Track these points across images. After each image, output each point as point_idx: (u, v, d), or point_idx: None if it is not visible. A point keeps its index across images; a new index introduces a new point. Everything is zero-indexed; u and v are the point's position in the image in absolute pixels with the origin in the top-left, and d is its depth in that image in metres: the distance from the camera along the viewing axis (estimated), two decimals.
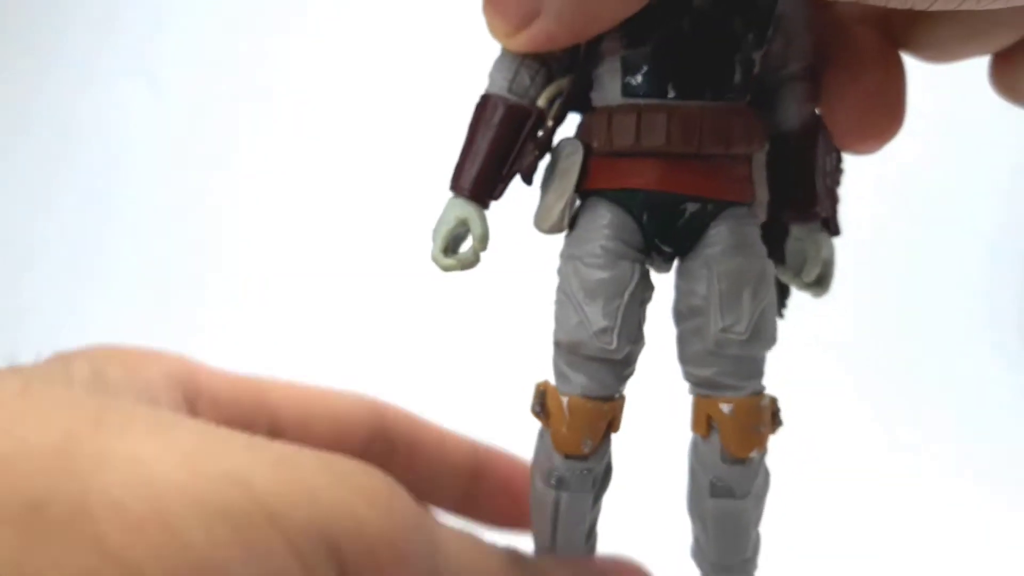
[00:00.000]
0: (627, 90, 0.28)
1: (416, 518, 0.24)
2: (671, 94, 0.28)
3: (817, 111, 0.31)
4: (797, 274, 0.32)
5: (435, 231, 0.29)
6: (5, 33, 0.95)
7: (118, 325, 0.86)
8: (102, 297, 0.89)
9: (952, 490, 0.71)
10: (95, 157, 0.94)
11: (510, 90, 0.29)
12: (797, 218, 0.31)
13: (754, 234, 0.29)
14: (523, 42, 0.27)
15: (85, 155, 0.94)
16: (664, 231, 0.29)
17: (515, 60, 0.29)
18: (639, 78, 0.28)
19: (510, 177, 0.29)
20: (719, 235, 0.29)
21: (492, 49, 0.30)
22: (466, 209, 0.29)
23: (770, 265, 0.29)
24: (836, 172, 0.32)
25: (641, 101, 0.28)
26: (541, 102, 0.29)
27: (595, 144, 0.29)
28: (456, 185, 0.29)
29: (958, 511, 0.69)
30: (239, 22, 0.95)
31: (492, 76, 0.30)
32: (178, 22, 0.95)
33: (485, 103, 0.29)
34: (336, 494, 0.22)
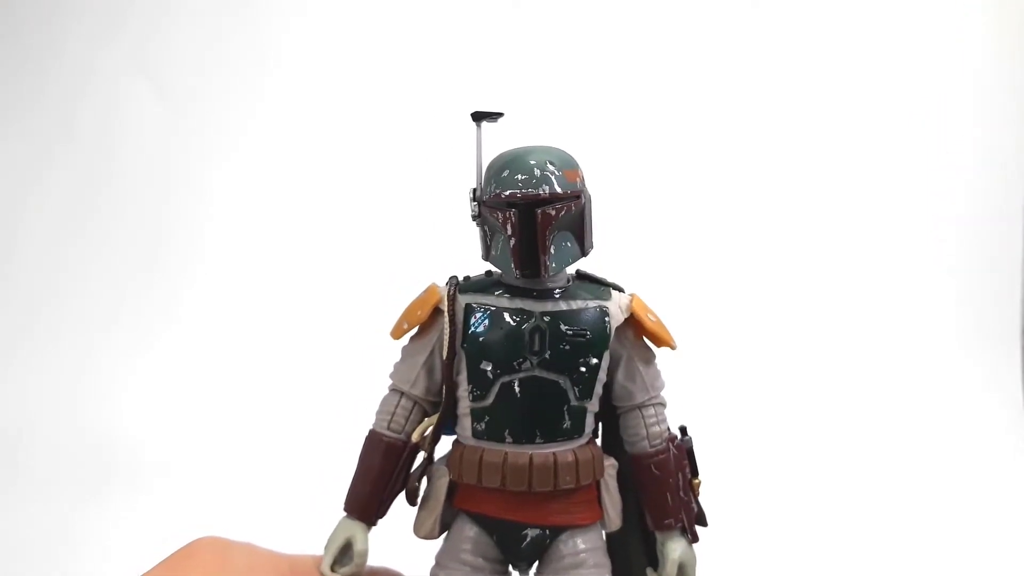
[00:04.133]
0: (475, 433, 0.35)
1: None
2: (508, 439, 0.35)
3: (665, 431, 0.37)
4: None
5: (326, 546, 0.36)
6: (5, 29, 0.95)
7: (101, 318, 0.87)
8: (83, 291, 0.89)
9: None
10: (92, 153, 0.94)
11: (389, 427, 0.36)
12: (655, 527, 0.37)
13: (599, 551, 0.36)
14: None
15: (82, 150, 0.94)
16: (510, 550, 0.36)
17: (388, 400, 0.37)
18: (482, 425, 0.35)
19: (391, 499, 0.36)
20: (557, 553, 0.36)
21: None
22: (353, 528, 0.36)
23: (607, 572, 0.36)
24: (689, 485, 0.37)
25: (484, 444, 0.35)
26: (415, 436, 0.36)
27: (451, 476, 0.36)
28: (347, 507, 0.36)
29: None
30: (238, 21, 0.95)
31: (377, 411, 0.37)
32: (180, 21, 0.96)
33: (369, 438, 0.37)
34: None
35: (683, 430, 0.38)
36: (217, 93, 0.93)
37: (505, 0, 0.92)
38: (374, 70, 0.92)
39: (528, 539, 0.35)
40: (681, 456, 0.37)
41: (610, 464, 0.37)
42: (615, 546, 0.38)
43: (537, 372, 0.34)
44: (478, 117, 0.36)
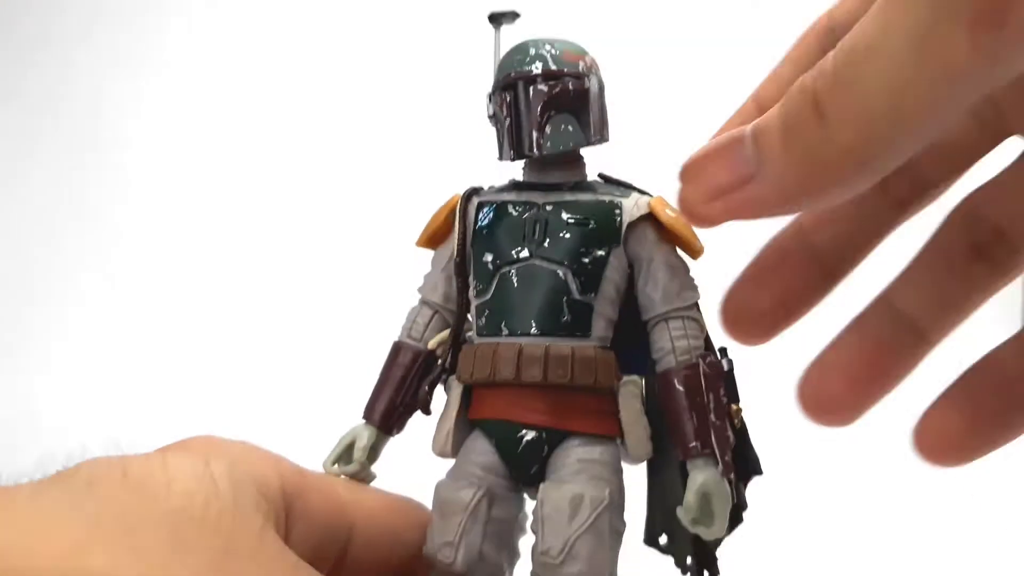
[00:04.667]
0: (478, 330, 0.33)
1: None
2: (504, 331, 0.32)
3: (698, 348, 0.33)
4: None
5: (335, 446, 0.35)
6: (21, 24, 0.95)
7: (98, 317, 0.86)
8: (74, 286, 0.89)
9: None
10: (78, 152, 0.94)
11: (409, 335, 0.35)
12: (682, 454, 0.33)
13: (599, 464, 0.32)
14: (721, 210, 0.26)
15: (68, 149, 0.94)
16: (510, 460, 0.32)
17: (413, 310, 0.35)
18: (483, 320, 0.33)
19: (405, 408, 0.35)
20: (557, 462, 0.32)
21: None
22: (360, 429, 0.35)
23: (612, 494, 0.31)
24: (727, 412, 0.33)
25: (483, 340, 0.33)
26: (432, 343, 0.35)
27: (462, 376, 0.33)
28: (366, 415, 0.35)
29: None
30: (230, 20, 0.95)
31: (403, 323, 0.36)
32: (165, 19, 0.95)
33: (391, 347, 0.35)
34: None
35: (723, 351, 0.33)
36: (203, 88, 0.92)
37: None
38: (374, 69, 0.92)
39: (523, 442, 0.32)
40: (715, 377, 0.32)
41: (632, 380, 0.33)
42: (655, 487, 0.35)
43: (536, 261, 0.32)
44: (495, 19, 0.34)
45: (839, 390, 0.32)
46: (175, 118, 0.94)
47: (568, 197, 0.33)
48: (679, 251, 0.33)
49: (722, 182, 0.25)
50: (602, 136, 0.33)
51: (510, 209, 0.33)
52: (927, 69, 0.20)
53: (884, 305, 0.33)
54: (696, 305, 0.33)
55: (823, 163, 0.23)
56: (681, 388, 0.32)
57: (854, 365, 0.32)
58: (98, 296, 0.89)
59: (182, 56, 0.95)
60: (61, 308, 0.89)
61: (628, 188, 0.34)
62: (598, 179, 0.34)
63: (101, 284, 0.89)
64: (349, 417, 0.35)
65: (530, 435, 0.32)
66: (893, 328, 0.32)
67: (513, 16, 0.34)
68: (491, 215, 0.33)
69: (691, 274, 0.33)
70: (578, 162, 0.34)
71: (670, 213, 0.33)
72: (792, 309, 0.33)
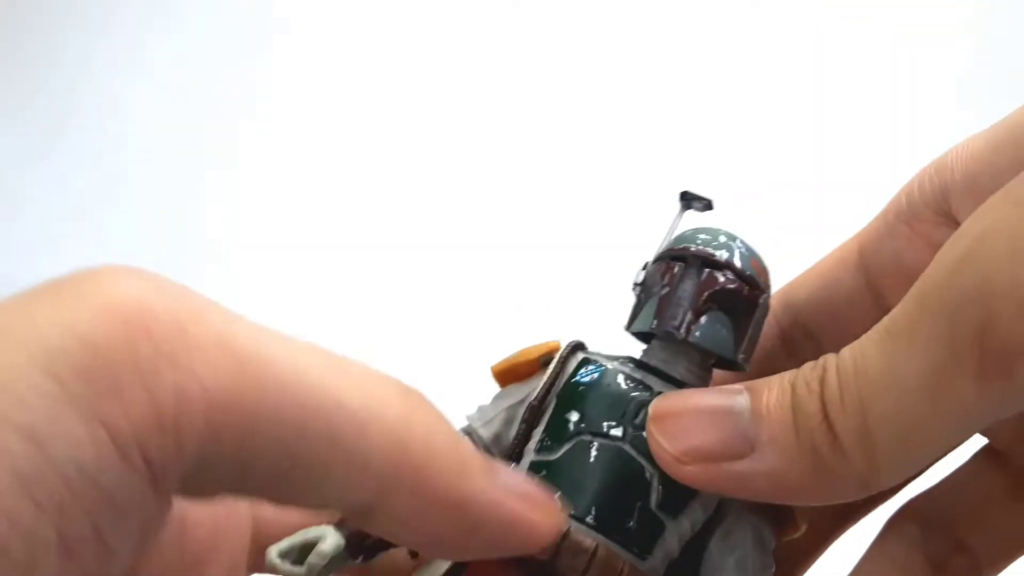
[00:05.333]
0: None
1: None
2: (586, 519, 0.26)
3: None
4: None
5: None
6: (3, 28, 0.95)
7: None
8: None
9: None
10: (91, 150, 0.94)
11: None
12: None
13: None
14: (698, 476, 0.24)
15: (81, 147, 0.94)
16: None
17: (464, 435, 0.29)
18: (533, 479, 0.27)
19: (387, 544, 0.27)
20: None
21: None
22: (332, 537, 0.27)
23: None
24: None
25: None
26: None
27: None
28: (339, 522, 0.28)
29: None
30: (237, 20, 0.94)
31: None
32: (178, 18, 0.95)
33: None
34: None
35: None
36: (215, 91, 0.92)
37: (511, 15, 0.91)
38: (375, 70, 0.92)
39: None
40: None
41: None
42: None
43: (626, 447, 0.27)
44: (687, 199, 0.30)
45: None
46: (182, 125, 0.94)
47: None
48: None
49: (706, 448, 0.24)
50: (746, 360, 0.29)
51: (620, 379, 0.28)
52: (938, 411, 0.21)
53: None
54: None
55: (830, 474, 0.22)
56: None
57: None
58: None
59: (196, 62, 0.95)
60: None
61: None
62: None
63: None
64: None
65: None
66: None
67: (706, 206, 0.30)
68: (596, 375, 0.29)
69: (771, 556, 0.28)
70: (707, 376, 0.29)
71: None
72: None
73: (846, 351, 0.23)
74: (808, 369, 0.23)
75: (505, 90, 0.90)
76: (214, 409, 0.18)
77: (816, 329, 0.31)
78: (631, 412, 0.27)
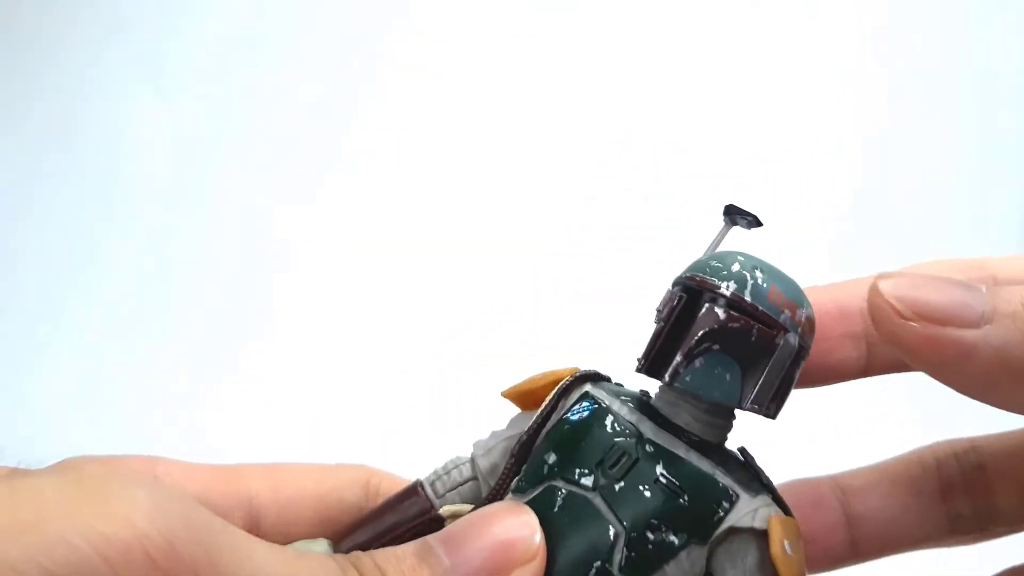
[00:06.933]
0: None
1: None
2: None
3: None
4: None
5: None
6: (7, 32, 0.95)
7: (106, 331, 0.86)
8: (88, 301, 0.88)
9: None
10: (96, 160, 0.94)
11: (432, 484, 0.28)
12: None
13: None
14: (917, 335, 0.23)
15: (86, 157, 0.94)
16: None
17: (457, 459, 0.29)
18: None
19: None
20: None
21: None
22: (315, 546, 0.28)
23: None
24: None
25: None
26: (444, 512, 0.28)
27: None
28: (332, 534, 0.29)
29: None
30: (247, 26, 0.94)
31: (438, 465, 0.29)
32: (185, 25, 0.95)
33: (409, 486, 0.29)
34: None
35: None
36: (223, 98, 0.92)
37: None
38: (385, 77, 0.91)
39: None
40: None
41: None
42: None
43: (594, 498, 0.24)
44: (731, 213, 0.28)
45: None
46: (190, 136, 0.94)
47: (681, 452, 0.25)
48: None
49: (935, 305, 0.22)
50: (766, 408, 0.25)
51: (609, 421, 0.26)
52: None
53: None
54: None
55: None
56: None
57: None
58: (108, 312, 0.89)
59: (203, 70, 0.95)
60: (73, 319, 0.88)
61: (762, 486, 0.26)
62: (736, 453, 0.27)
63: (113, 305, 0.89)
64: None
65: None
66: None
67: (751, 223, 0.27)
68: (585, 414, 0.26)
69: None
70: (723, 423, 0.26)
71: (788, 551, 0.24)
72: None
73: None
74: None
75: (541, 108, 0.90)
76: (167, 559, 0.19)
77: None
78: (609, 459, 0.25)
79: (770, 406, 0.25)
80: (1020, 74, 0.89)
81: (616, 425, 0.25)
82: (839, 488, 0.30)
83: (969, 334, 0.22)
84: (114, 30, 0.95)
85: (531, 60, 0.91)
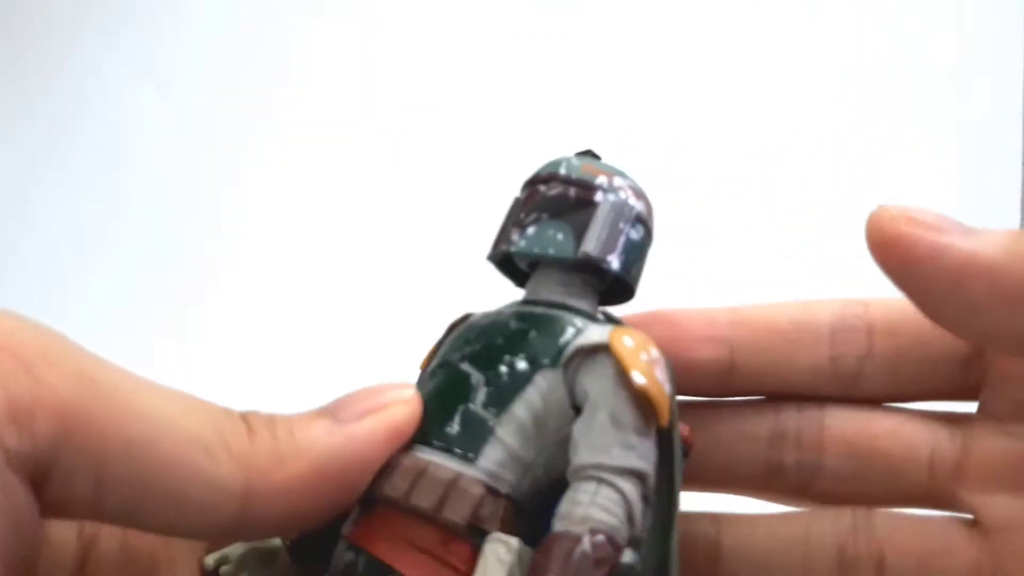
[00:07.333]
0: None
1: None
2: (412, 442, 0.25)
3: (599, 523, 0.23)
4: None
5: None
6: (10, 33, 0.95)
7: (106, 330, 0.86)
8: (88, 301, 0.88)
9: None
10: (99, 159, 0.94)
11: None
12: None
13: None
14: (903, 234, 0.24)
15: (88, 156, 0.94)
16: None
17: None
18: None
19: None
20: None
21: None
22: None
23: None
24: None
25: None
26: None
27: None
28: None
29: None
30: (249, 25, 0.95)
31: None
32: (187, 24, 0.95)
33: None
34: None
35: (635, 543, 0.24)
36: (226, 98, 0.92)
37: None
38: (387, 77, 0.92)
39: (342, 564, 0.25)
40: (589, 564, 0.22)
41: (501, 540, 0.23)
42: None
43: (461, 364, 0.26)
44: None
45: None
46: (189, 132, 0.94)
47: (538, 310, 0.27)
48: (638, 407, 0.24)
49: (924, 217, 0.24)
50: (601, 258, 0.26)
51: (476, 318, 0.28)
52: None
53: None
54: (631, 472, 0.24)
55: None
56: (540, 557, 0.23)
57: None
58: (104, 305, 0.89)
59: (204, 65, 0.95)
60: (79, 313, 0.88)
61: (617, 324, 0.27)
62: (598, 314, 0.28)
63: (121, 292, 0.89)
64: None
65: (347, 555, 0.25)
66: None
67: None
68: (463, 325, 0.28)
69: (641, 438, 0.24)
70: (580, 290, 0.27)
71: (628, 344, 0.25)
72: None
73: None
74: None
75: (521, 109, 0.90)
76: (67, 414, 0.20)
77: None
78: (473, 336, 0.27)
79: (607, 258, 0.26)
80: (1021, 74, 0.89)
81: (484, 318, 0.27)
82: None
83: (967, 243, 0.23)
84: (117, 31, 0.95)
85: (529, 60, 0.91)
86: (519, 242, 0.27)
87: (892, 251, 0.24)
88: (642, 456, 0.24)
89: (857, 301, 0.28)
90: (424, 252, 0.85)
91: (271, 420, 0.24)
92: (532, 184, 0.28)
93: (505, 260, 0.29)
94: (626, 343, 0.25)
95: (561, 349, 0.25)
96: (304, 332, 0.85)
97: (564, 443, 0.25)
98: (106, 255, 0.91)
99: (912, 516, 0.28)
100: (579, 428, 0.24)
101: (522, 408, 0.25)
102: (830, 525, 0.28)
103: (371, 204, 0.89)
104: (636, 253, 0.27)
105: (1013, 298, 0.23)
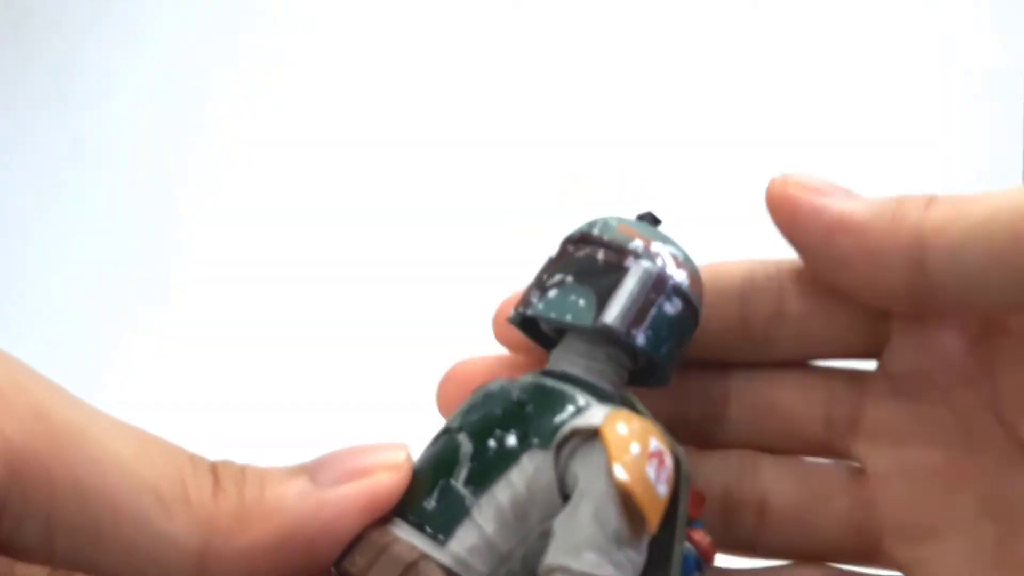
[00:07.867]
0: None
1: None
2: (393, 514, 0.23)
3: None
4: None
5: None
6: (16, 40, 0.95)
7: (75, 324, 0.86)
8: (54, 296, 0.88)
9: None
10: (82, 128, 0.93)
11: None
12: None
13: None
14: (788, 193, 0.26)
15: (72, 126, 0.93)
16: None
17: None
18: None
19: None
20: None
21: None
22: None
23: None
24: None
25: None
26: None
27: None
28: None
29: None
30: (236, 24, 0.94)
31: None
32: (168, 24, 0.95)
33: None
34: None
35: None
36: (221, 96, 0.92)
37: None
38: (378, 76, 0.91)
39: None
40: None
41: None
42: None
43: (458, 432, 0.24)
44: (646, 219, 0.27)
45: None
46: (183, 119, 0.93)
47: (548, 383, 0.24)
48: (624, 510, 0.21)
49: (813, 182, 0.26)
50: (624, 331, 0.24)
51: (493, 382, 0.25)
52: None
53: None
54: None
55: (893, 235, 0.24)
56: None
57: None
58: (87, 296, 0.88)
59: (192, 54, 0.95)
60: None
61: (627, 404, 0.24)
62: (617, 394, 0.25)
63: (101, 285, 0.89)
64: None
65: None
66: None
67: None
68: (480, 389, 0.25)
69: (621, 544, 0.21)
70: (601, 366, 0.25)
71: (620, 431, 0.22)
72: None
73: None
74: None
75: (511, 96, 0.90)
76: (15, 458, 0.19)
77: None
78: (478, 406, 0.24)
79: (632, 332, 0.24)
80: (1021, 74, 0.90)
81: (502, 381, 0.25)
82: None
83: (843, 203, 0.25)
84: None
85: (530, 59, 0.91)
86: (537, 304, 0.24)
87: (780, 209, 0.26)
88: (617, 565, 0.21)
89: (768, 262, 0.28)
90: (418, 259, 0.84)
91: (242, 473, 0.22)
92: (564, 243, 0.25)
93: (532, 323, 0.26)
94: (619, 430, 0.22)
95: (555, 429, 0.22)
96: (285, 340, 0.85)
97: (547, 536, 0.22)
98: (86, 225, 0.89)
99: (797, 462, 0.28)
100: (560, 519, 0.22)
101: (503, 491, 0.22)
102: (719, 468, 0.28)
103: (358, 210, 0.87)
104: (669, 329, 0.24)
105: (875, 252, 0.24)
